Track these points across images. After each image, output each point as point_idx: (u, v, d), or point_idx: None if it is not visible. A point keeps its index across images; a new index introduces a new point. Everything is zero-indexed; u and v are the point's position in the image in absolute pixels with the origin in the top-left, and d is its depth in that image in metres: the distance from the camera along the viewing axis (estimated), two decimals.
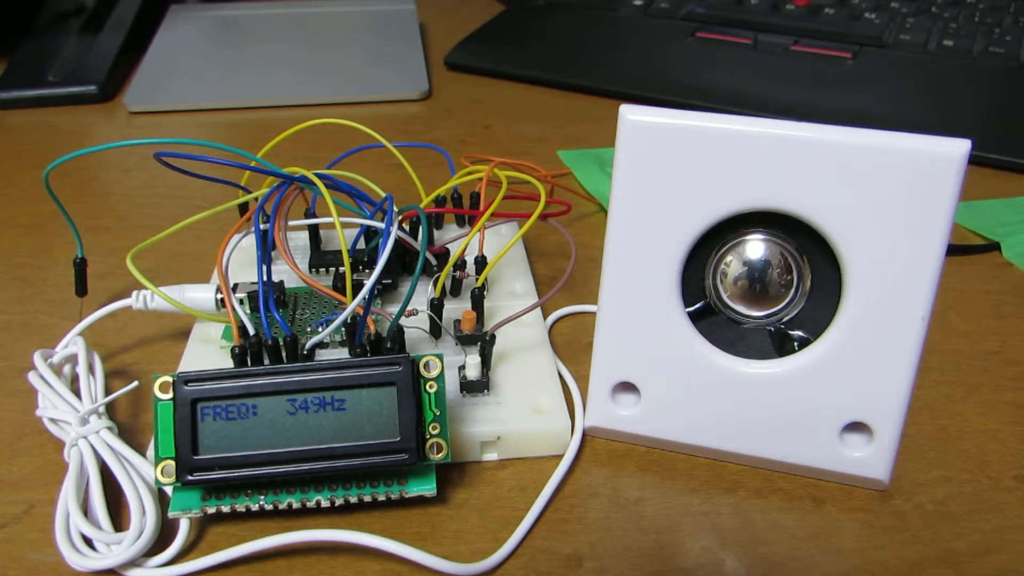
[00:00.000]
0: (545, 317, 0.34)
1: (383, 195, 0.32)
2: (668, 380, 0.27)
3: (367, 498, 0.25)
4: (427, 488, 0.25)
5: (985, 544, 0.25)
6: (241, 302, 0.31)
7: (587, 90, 0.56)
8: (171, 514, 0.24)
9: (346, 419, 0.24)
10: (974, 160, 0.45)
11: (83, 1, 0.63)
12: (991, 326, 0.34)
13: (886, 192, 0.23)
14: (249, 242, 0.30)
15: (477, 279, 0.32)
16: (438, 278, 0.31)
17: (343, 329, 0.30)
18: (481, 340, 0.29)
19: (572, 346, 0.33)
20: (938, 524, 0.26)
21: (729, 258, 0.26)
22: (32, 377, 0.29)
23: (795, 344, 0.26)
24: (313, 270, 0.34)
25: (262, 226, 0.29)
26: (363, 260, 0.33)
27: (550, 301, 0.34)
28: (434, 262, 0.33)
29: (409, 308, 0.28)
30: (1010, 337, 0.34)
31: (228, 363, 0.27)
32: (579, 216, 0.42)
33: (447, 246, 0.34)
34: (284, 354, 0.27)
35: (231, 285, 0.30)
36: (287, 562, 0.24)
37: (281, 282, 0.32)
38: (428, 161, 0.41)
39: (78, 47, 0.58)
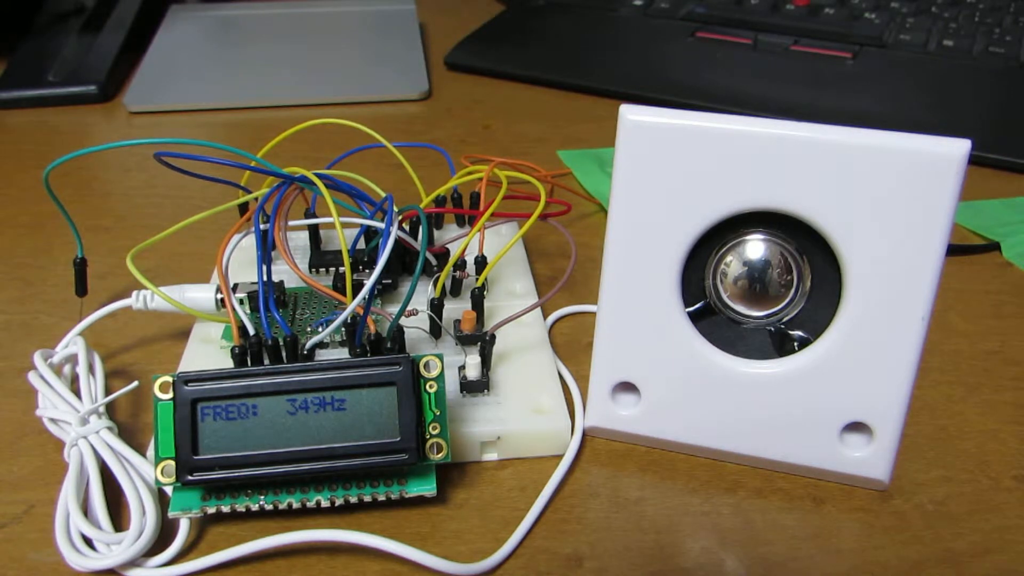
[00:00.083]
0: (545, 317, 0.34)
1: (383, 195, 0.32)
2: (668, 380, 0.27)
3: (367, 498, 0.25)
4: (427, 488, 0.25)
5: (985, 544, 0.25)
6: (241, 302, 0.31)
7: (587, 90, 0.56)
8: (171, 514, 0.24)
9: (346, 419, 0.24)
10: (974, 160, 0.44)
11: (83, 1, 0.63)
12: (991, 326, 0.34)
13: (886, 192, 0.23)
14: (249, 242, 0.30)
15: (477, 279, 0.32)
16: (438, 278, 0.31)
17: (343, 329, 0.30)
18: (481, 340, 0.29)
19: (572, 346, 0.33)
20: (938, 524, 0.26)
21: (729, 258, 0.26)
22: (32, 377, 0.29)
23: (795, 344, 0.26)
24: (313, 270, 0.34)
25: (262, 226, 0.29)
26: (363, 260, 0.33)
27: (550, 301, 0.34)
28: (434, 262, 0.33)
29: (409, 308, 0.28)
30: (1010, 337, 0.34)
31: (228, 363, 0.27)
32: (579, 216, 0.42)
33: (447, 246, 0.34)
34: (284, 354, 0.27)
35: (231, 285, 0.30)
36: (287, 562, 0.24)
37: (281, 282, 0.32)
38: (428, 161, 0.41)
39: (78, 47, 0.58)
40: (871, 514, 0.26)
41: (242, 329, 0.27)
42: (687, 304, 0.27)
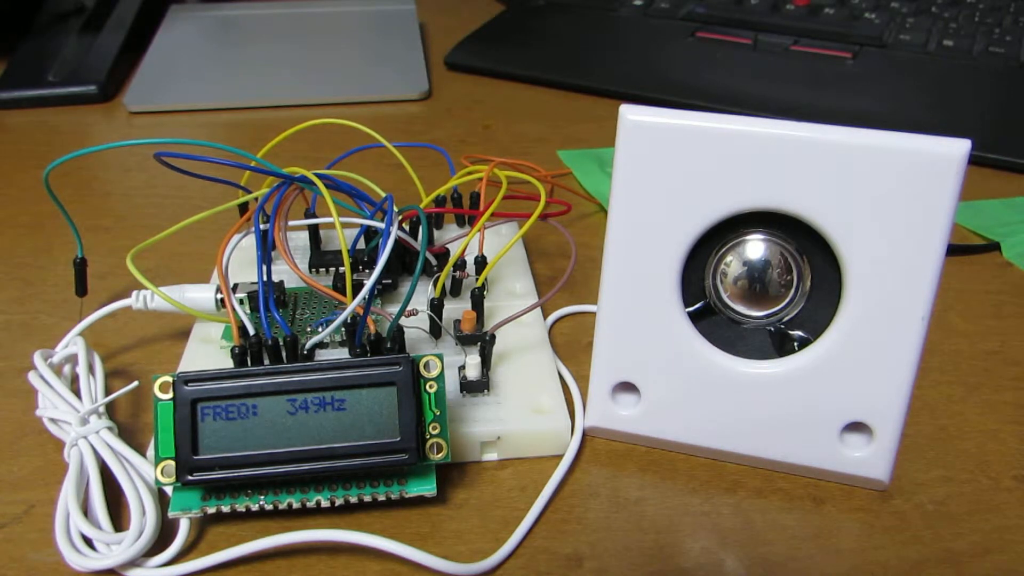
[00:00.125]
0: (545, 317, 0.34)
1: (383, 195, 0.32)
2: (668, 380, 0.27)
3: (367, 498, 0.25)
4: (427, 488, 0.25)
5: (985, 544, 0.25)
6: (241, 302, 0.31)
7: (587, 90, 0.56)
8: (171, 514, 0.24)
9: (346, 419, 0.24)
10: (974, 160, 0.44)
11: (83, 1, 0.63)
12: (991, 326, 0.34)
13: (886, 192, 0.23)
14: (249, 242, 0.30)
15: (477, 279, 0.32)
16: (438, 278, 0.31)
17: (343, 329, 0.30)
18: (481, 340, 0.29)
19: (572, 346, 0.33)
20: (938, 524, 0.26)
21: (729, 258, 0.26)
22: (32, 377, 0.29)
23: (795, 344, 0.26)
24: (313, 270, 0.34)
25: (262, 226, 0.29)
26: (363, 260, 0.33)
27: (550, 301, 0.34)
28: (434, 262, 0.33)
29: (409, 308, 0.28)
30: (1010, 337, 0.34)
31: (228, 363, 0.27)
32: (579, 216, 0.42)
33: (447, 246, 0.34)
34: (284, 354, 0.27)
35: (231, 285, 0.30)
36: (287, 562, 0.24)
37: (281, 282, 0.32)
38: (428, 161, 0.41)
39: (78, 47, 0.58)
40: (871, 514, 0.26)
41: (242, 329, 0.27)
42: (687, 304, 0.27)
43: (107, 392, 0.29)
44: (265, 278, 0.28)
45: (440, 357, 0.25)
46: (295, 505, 0.25)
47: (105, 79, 0.55)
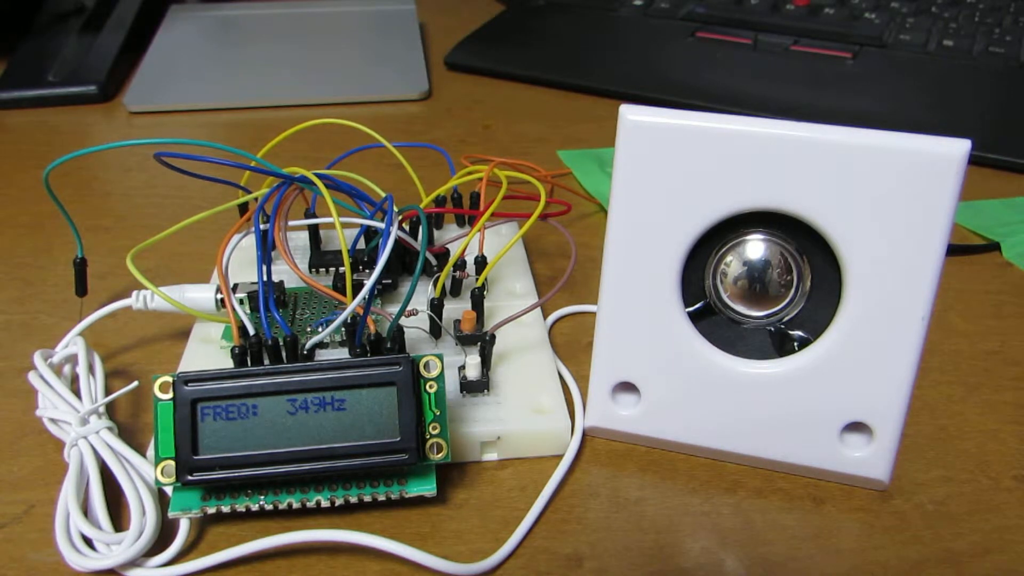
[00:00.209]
0: (545, 317, 0.34)
1: (383, 195, 0.32)
2: (668, 380, 0.27)
3: (367, 498, 0.25)
4: (427, 488, 0.25)
5: (985, 544, 0.25)
6: (241, 302, 0.31)
7: (587, 90, 0.56)
8: (171, 514, 0.24)
9: (346, 419, 0.24)
10: (974, 160, 0.44)
11: (83, 1, 0.63)
12: (991, 326, 0.34)
13: (886, 192, 0.23)
14: (249, 242, 0.30)
15: (477, 279, 0.32)
16: (438, 278, 0.31)
17: (343, 329, 0.30)
18: (481, 340, 0.29)
19: (572, 346, 0.33)
20: (938, 524, 0.26)
21: (729, 258, 0.26)
22: (32, 377, 0.29)
23: (795, 344, 0.26)
24: (313, 270, 0.34)
25: (262, 226, 0.29)
26: (363, 260, 0.33)
27: (550, 301, 0.34)
28: (434, 262, 0.33)
29: (409, 308, 0.28)
30: (1010, 337, 0.34)
31: (228, 363, 0.27)
32: (579, 216, 0.42)
33: (447, 246, 0.34)
34: (284, 354, 0.27)
35: (231, 285, 0.30)
36: (287, 562, 0.24)
37: (281, 282, 0.32)
38: (428, 161, 0.41)
39: (78, 47, 0.58)
40: (871, 514, 0.26)
41: (242, 329, 0.27)
42: (687, 304, 0.27)
43: (107, 392, 0.29)
44: (265, 278, 0.28)
45: (440, 357, 0.25)
46: (295, 505, 0.25)
47: (105, 79, 0.55)
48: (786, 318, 0.27)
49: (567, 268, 0.33)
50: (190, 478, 0.24)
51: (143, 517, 0.24)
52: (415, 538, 0.25)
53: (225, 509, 0.24)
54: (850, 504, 0.26)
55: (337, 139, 0.47)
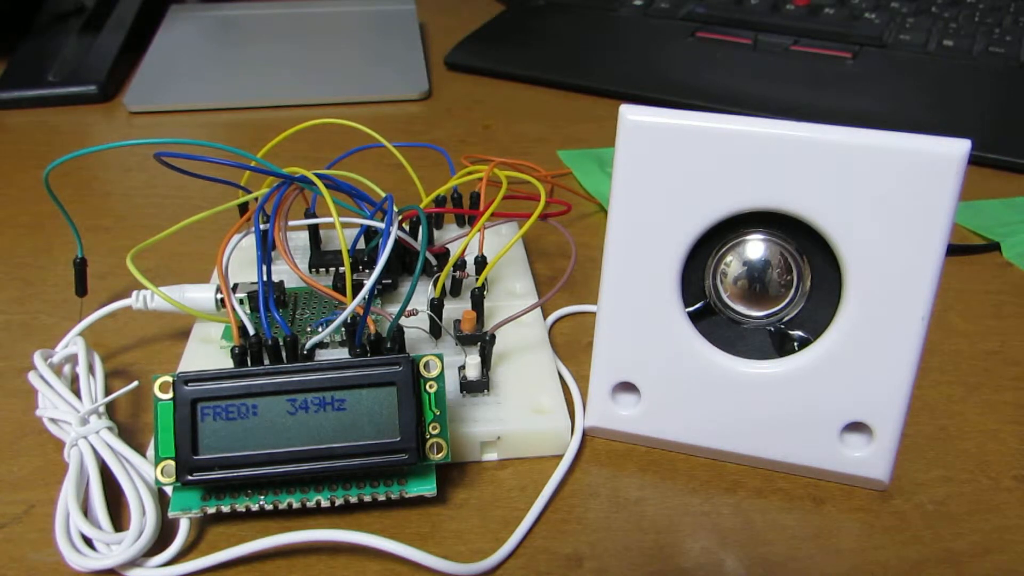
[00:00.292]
0: (545, 317, 0.34)
1: (383, 195, 0.32)
2: (668, 380, 0.27)
3: (367, 498, 0.25)
4: (427, 488, 0.25)
5: (985, 544, 0.25)
6: (241, 302, 0.31)
7: (587, 90, 0.56)
8: (171, 514, 0.24)
9: (346, 419, 0.24)
10: (974, 160, 0.45)
11: (83, 1, 0.63)
12: (991, 326, 0.34)
13: (886, 192, 0.23)
14: (249, 242, 0.30)
15: (477, 279, 0.32)
16: (438, 278, 0.31)
17: (343, 329, 0.30)
18: (481, 340, 0.29)
19: (572, 346, 0.33)
20: (938, 524, 0.26)
21: (729, 258, 0.26)
22: (32, 377, 0.29)
23: (795, 344, 0.26)
24: (313, 270, 0.34)
25: (262, 226, 0.29)
26: (363, 260, 0.33)
27: (550, 301, 0.34)
28: (434, 262, 0.33)
29: (409, 308, 0.28)
30: (1010, 337, 0.34)
31: (228, 363, 0.27)
32: (579, 216, 0.42)
33: (447, 246, 0.34)
34: (284, 354, 0.27)
35: (231, 285, 0.30)
36: (287, 562, 0.24)
37: (281, 282, 0.32)
38: (428, 161, 0.41)
39: (78, 47, 0.58)
40: (871, 514, 0.26)
41: (242, 329, 0.27)
42: (687, 304, 0.27)
43: (107, 392, 0.29)
44: (265, 278, 0.28)
45: (440, 357, 0.25)
46: (295, 505, 0.25)
47: (105, 79, 0.55)
48: (786, 318, 0.27)
49: (567, 268, 0.33)
50: (190, 478, 0.24)
51: (143, 517, 0.24)
52: (415, 538, 0.25)
53: (225, 509, 0.24)
54: (850, 504, 0.26)
55: (337, 139, 0.47)
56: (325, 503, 0.25)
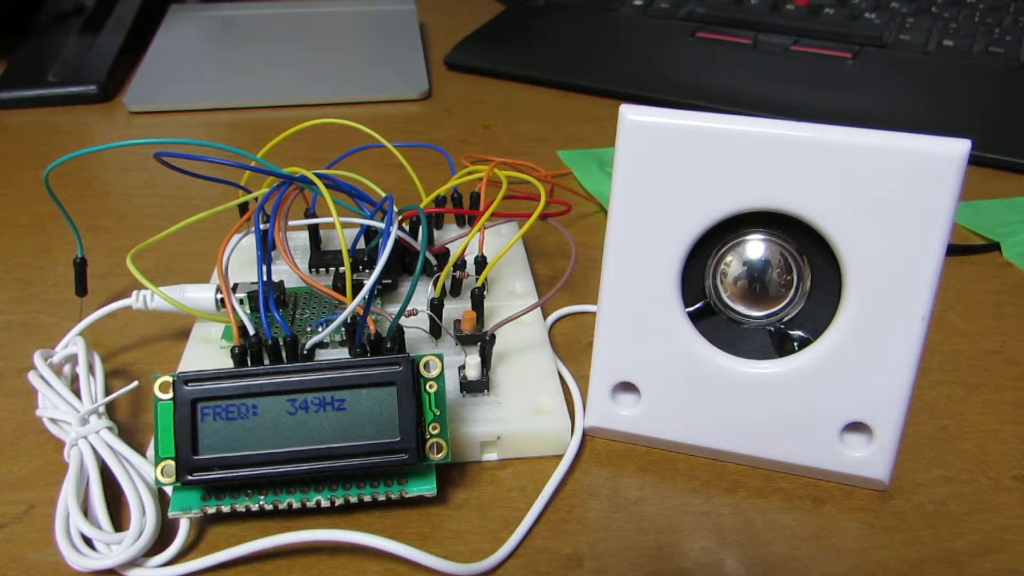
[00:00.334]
0: (545, 317, 0.34)
1: (383, 195, 0.32)
2: (668, 380, 0.27)
3: (367, 498, 0.25)
4: (427, 488, 0.25)
5: (985, 544, 0.25)
6: (241, 302, 0.31)
7: (587, 90, 0.56)
8: (171, 514, 0.24)
9: (346, 419, 0.24)
10: (974, 160, 0.45)
11: (83, 1, 0.63)
12: (991, 326, 0.34)
13: (886, 192, 0.23)
14: (249, 242, 0.30)
15: (477, 279, 0.32)
16: (438, 278, 0.31)
17: (343, 329, 0.30)
18: (481, 340, 0.29)
19: (572, 346, 0.33)
20: (938, 524, 0.26)
21: (729, 258, 0.26)
22: (32, 377, 0.29)
23: (795, 344, 0.26)
24: (313, 270, 0.34)
25: (262, 226, 0.29)
26: (363, 260, 0.33)
27: (550, 301, 0.34)
28: (434, 262, 0.33)
29: (409, 308, 0.28)
30: (1010, 337, 0.34)
31: (228, 363, 0.27)
32: (579, 216, 0.42)
33: (447, 246, 0.34)
34: (284, 354, 0.27)
35: (231, 285, 0.30)
36: (287, 562, 0.24)
37: (281, 282, 0.32)
38: (428, 161, 0.41)
39: (78, 47, 0.58)
40: (871, 514, 0.26)
41: (242, 329, 0.27)
42: (687, 304, 0.27)
43: (107, 392, 0.29)
44: (265, 278, 0.28)
45: (440, 357, 0.25)
46: (295, 505, 0.25)
47: (105, 79, 0.55)
48: (786, 318, 0.27)
49: (567, 268, 0.33)
50: (190, 478, 0.24)
51: (143, 517, 0.24)
52: (415, 538, 0.25)
53: (225, 509, 0.24)
54: (850, 504, 0.26)
55: (337, 139, 0.47)
56: (325, 503, 0.25)
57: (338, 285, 0.32)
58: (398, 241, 0.30)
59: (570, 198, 0.40)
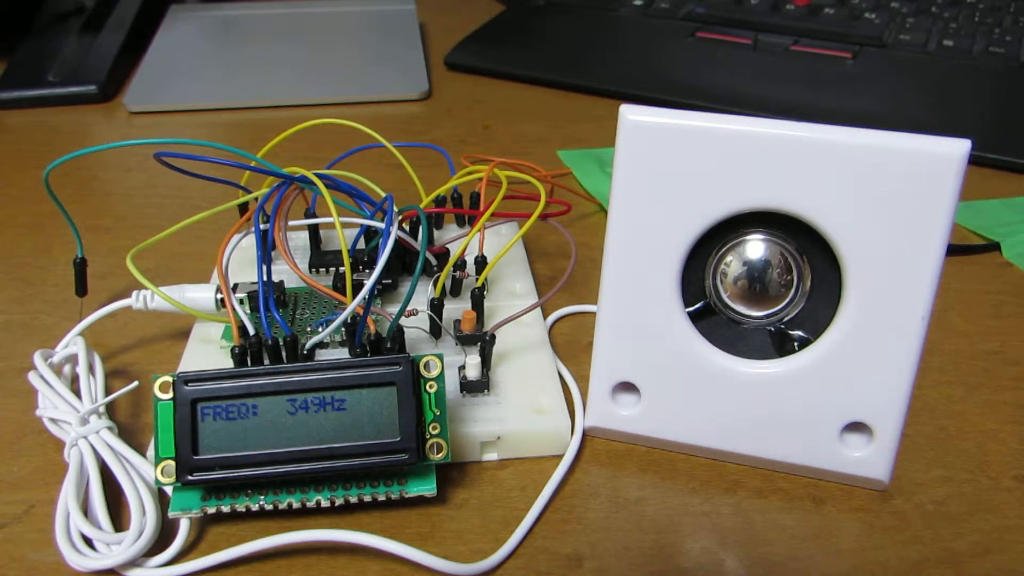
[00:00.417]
0: (545, 317, 0.34)
1: (383, 195, 0.32)
2: (668, 380, 0.27)
3: (367, 498, 0.25)
4: (427, 488, 0.25)
5: (985, 544, 0.25)
6: (241, 302, 0.31)
7: (587, 90, 0.56)
8: (171, 514, 0.24)
9: (346, 419, 0.24)
10: (974, 160, 0.45)
11: (83, 1, 0.63)
12: (991, 326, 0.34)
13: (886, 192, 0.23)
14: (249, 242, 0.30)
15: (477, 279, 0.32)
16: (438, 278, 0.31)
17: (343, 329, 0.30)
18: (481, 340, 0.29)
19: (572, 346, 0.33)
20: (938, 524, 0.26)
21: (729, 258, 0.26)
22: (32, 377, 0.29)
23: (795, 344, 0.26)
24: (313, 270, 0.34)
25: (262, 226, 0.29)
26: (363, 260, 0.33)
27: (550, 301, 0.34)
28: (434, 262, 0.33)
29: (409, 308, 0.28)
30: (1010, 337, 0.34)
31: (228, 363, 0.27)
32: (579, 216, 0.42)
33: (447, 246, 0.34)
34: (284, 354, 0.27)
35: (231, 285, 0.30)
36: (287, 562, 0.24)
37: (281, 282, 0.32)
38: (428, 161, 0.41)
39: (78, 47, 0.58)
40: (871, 514, 0.26)
41: (242, 329, 0.27)
42: (687, 304, 0.27)
43: (107, 392, 0.29)
44: (265, 278, 0.28)
45: (440, 357, 0.25)
46: (295, 505, 0.25)
47: (105, 79, 0.55)
48: (786, 318, 0.27)
49: (567, 268, 0.33)
50: (190, 478, 0.24)
51: (143, 517, 0.24)
52: (415, 538, 0.25)
53: (225, 509, 0.24)
54: (850, 504, 0.26)
55: (337, 139, 0.47)
56: (325, 503, 0.25)
57: (338, 285, 0.32)
58: (398, 241, 0.30)
59: (570, 198, 0.40)
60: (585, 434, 0.29)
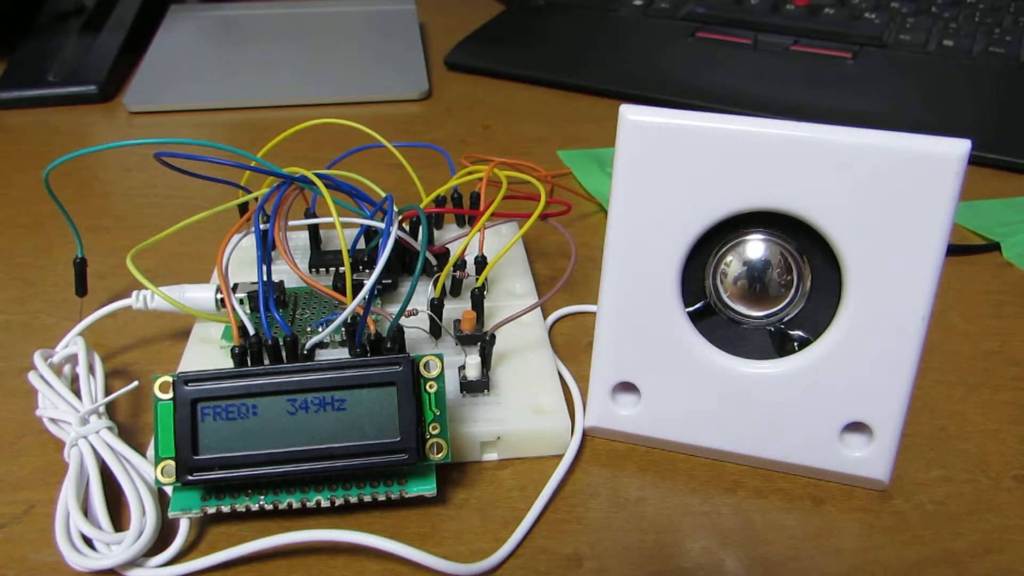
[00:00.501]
0: (545, 317, 0.34)
1: (383, 195, 0.32)
2: (668, 380, 0.27)
3: (367, 498, 0.25)
4: (427, 488, 0.25)
5: (985, 544, 0.25)
6: (241, 302, 0.31)
7: (587, 90, 0.56)
8: (171, 514, 0.24)
9: (346, 419, 0.24)
10: (974, 160, 0.45)
11: (83, 1, 0.63)
12: (991, 326, 0.34)
13: (886, 192, 0.23)
14: (249, 242, 0.30)
15: (477, 279, 0.32)
16: (438, 278, 0.31)
17: (343, 329, 0.30)
18: (481, 340, 0.29)
19: (572, 346, 0.33)
20: (938, 524, 0.26)
21: (729, 258, 0.26)
22: (32, 377, 0.29)
23: (795, 344, 0.26)
24: (313, 270, 0.34)
25: (262, 226, 0.29)
26: (363, 260, 0.33)
27: (550, 301, 0.34)
28: (434, 262, 0.33)
29: (409, 308, 0.28)
30: (1010, 337, 0.34)
31: (228, 363, 0.27)
32: (579, 216, 0.42)
33: (447, 246, 0.34)
34: (284, 354, 0.27)
35: (231, 285, 0.30)
36: (287, 562, 0.24)
37: (281, 282, 0.32)
38: (428, 161, 0.41)
39: (78, 47, 0.58)
40: (871, 514, 0.26)
41: (242, 329, 0.27)
42: (687, 304, 0.27)
43: (107, 392, 0.29)
44: (265, 278, 0.28)
45: (440, 357, 0.25)
46: (295, 505, 0.25)
47: (105, 79, 0.55)
48: (786, 318, 0.27)
49: (567, 268, 0.33)
50: (190, 478, 0.24)
51: (143, 517, 0.24)
52: (415, 538, 0.25)
53: (225, 509, 0.24)
54: (850, 504, 0.26)
55: (337, 139, 0.47)
56: (325, 503, 0.25)
57: (338, 285, 0.32)
58: (398, 241, 0.30)
59: (570, 198, 0.40)
60: (585, 434, 0.29)
